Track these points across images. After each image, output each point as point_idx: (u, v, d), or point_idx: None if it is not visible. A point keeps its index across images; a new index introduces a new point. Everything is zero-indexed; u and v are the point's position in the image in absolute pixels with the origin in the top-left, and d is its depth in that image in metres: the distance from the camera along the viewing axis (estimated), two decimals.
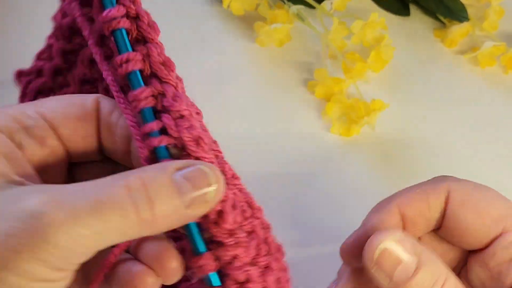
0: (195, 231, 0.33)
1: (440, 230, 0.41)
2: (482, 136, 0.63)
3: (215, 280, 0.33)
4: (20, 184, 0.32)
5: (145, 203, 0.29)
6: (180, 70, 0.64)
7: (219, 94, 0.62)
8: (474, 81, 0.66)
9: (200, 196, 0.31)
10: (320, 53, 0.65)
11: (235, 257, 0.33)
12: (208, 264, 0.33)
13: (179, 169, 0.31)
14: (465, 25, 0.67)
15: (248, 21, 0.67)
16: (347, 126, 0.60)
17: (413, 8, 0.70)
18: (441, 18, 0.69)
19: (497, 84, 0.66)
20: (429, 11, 0.70)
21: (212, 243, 0.33)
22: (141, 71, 0.35)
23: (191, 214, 0.31)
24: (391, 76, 0.65)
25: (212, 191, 0.31)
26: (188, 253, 0.34)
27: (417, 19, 0.70)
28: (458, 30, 0.67)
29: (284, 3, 0.66)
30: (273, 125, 0.61)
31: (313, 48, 0.66)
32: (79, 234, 0.28)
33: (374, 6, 0.70)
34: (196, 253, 0.33)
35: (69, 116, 0.36)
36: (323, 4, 0.65)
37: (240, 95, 0.63)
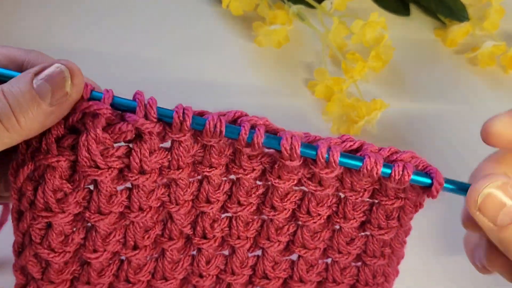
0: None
1: None
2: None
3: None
4: None
5: (7, 113, 0.32)
6: (179, 69, 0.64)
7: (218, 94, 0.62)
8: (474, 81, 0.66)
9: (61, 92, 0.33)
10: (320, 52, 0.65)
11: None
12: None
13: (37, 73, 0.33)
14: (465, 25, 0.66)
15: (247, 21, 0.67)
16: (347, 125, 0.60)
17: (413, 8, 0.70)
18: (442, 18, 0.69)
19: (497, 84, 0.66)
20: (429, 11, 0.69)
21: None
22: None
23: (59, 112, 0.33)
24: (391, 75, 0.65)
25: (69, 85, 0.33)
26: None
27: (417, 19, 0.70)
28: (458, 29, 0.66)
29: (284, 3, 0.66)
30: None
31: (313, 47, 0.66)
32: None
33: (374, 6, 0.70)
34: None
35: None
36: (323, 4, 0.65)
37: (240, 95, 0.63)
